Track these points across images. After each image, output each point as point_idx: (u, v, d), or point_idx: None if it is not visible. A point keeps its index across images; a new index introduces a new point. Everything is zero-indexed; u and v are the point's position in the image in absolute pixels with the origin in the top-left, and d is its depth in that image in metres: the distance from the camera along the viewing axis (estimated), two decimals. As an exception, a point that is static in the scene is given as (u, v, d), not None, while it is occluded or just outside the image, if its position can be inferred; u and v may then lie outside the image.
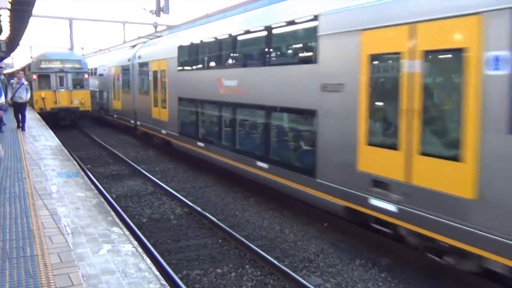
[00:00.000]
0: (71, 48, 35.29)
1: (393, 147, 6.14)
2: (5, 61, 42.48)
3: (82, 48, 56.49)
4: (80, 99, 22.16)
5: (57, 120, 21.36)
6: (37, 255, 4.51)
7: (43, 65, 21.57)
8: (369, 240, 7.46)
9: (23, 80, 14.93)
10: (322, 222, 8.45)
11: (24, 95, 14.41)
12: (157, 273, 4.27)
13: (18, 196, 6.68)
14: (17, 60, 67.17)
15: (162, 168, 13.60)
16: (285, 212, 9.16)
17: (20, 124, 14.47)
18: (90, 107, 22.95)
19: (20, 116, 14.49)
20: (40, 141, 12.56)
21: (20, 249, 4.65)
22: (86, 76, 22.69)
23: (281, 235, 7.86)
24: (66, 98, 21.89)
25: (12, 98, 14.20)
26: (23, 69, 25.60)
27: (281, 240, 7.62)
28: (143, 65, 17.34)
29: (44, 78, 21.56)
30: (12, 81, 15.19)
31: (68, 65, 21.94)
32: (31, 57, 26.58)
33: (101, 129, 23.41)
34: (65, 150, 11.47)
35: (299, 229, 8.18)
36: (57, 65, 21.75)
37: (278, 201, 9.82)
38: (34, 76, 21.29)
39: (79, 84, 22.35)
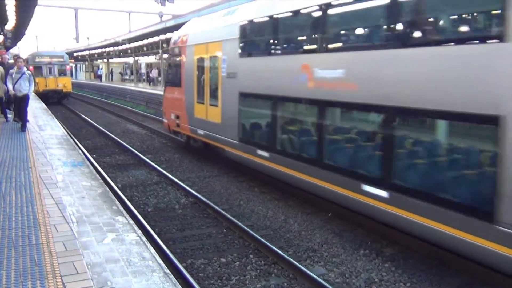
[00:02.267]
0: (77, 38, 35.45)
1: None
2: (12, 50, 42.52)
3: (88, 38, 56.54)
4: (64, 84, 30.24)
5: (47, 98, 28.12)
6: (42, 243, 4.55)
7: (37, 60, 29.78)
8: (373, 231, 7.46)
9: (24, 69, 12.56)
10: (327, 212, 8.45)
11: (24, 87, 12.17)
12: (161, 262, 4.29)
13: (24, 185, 6.73)
14: (24, 50, 67.32)
15: (168, 158, 13.63)
16: (289, 202, 9.17)
17: (21, 123, 12.48)
18: (71, 89, 31.86)
19: (20, 112, 12.67)
20: (46, 131, 12.61)
21: (26, 237, 4.70)
22: (68, 67, 31.69)
23: (285, 225, 7.88)
24: (53, 82, 29.97)
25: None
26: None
27: (285, 230, 7.64)
28: (184, 49, 13.63)
29: (38, 68, 28.90)
30: (11, 70, 12.59)
31: (55, 60, 30.16)
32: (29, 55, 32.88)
33: (106, 118, 23.51)
34: (71, 140, 11.53)
35: (303, 219, 8.19)
36: (47, 59, 29.91)
37: (283, 191, 9.83)
38: (31, 67, 26.01)
39: (63, 72, 30.58)
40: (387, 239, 7.17)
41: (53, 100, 29.36)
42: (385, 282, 5.84)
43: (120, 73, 58.81)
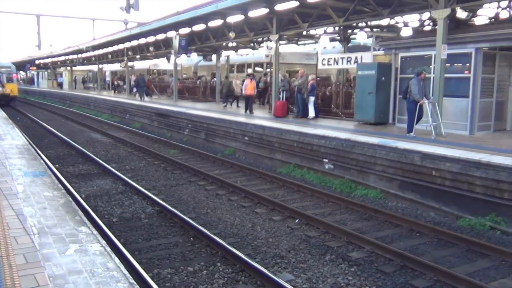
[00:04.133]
0: (39, 45, 35.02)
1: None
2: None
3: (51, 45, 55.09)
4: (11, 89, 34.75)
5: None
6: (1, 256, 4.38)
7: None
8: (339, 236, 7.57)
9: None
10: (294, 219, 8.52)
11: None
12: (126, 272, 4.21)
13: (-18, 196, 6.48)
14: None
15: (133, 166, 13.43)
16: (257, 209, 9.19)
17: None
18: (17, 94, 37.20)
19: None
20: (6, 140, 12.21)
21: (-17, 250, 4.52)
22: (14, 75, 36.58)
23: (252, 232, 7.88)
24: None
25: None
26: None
27: (253, 237, 7.64)
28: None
29: None
30: None
31: (3, 69, 35.09)
32: None
33: (69, 127, 22.96)
34: (32, 149, 11.19)
35: (270, 226, 8.22)
36: None
37: (251, 199, 9.84)
38: None
39: (10, 80, 35.25)
40: (353, 244, 7.29)
41: (1, 102, 32.93)
42: (351, 286, 5.91)
43: (83, 81, 57.14)
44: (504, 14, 13.99)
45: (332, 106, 17.79)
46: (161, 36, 25.97)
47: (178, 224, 8.18)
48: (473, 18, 14.40)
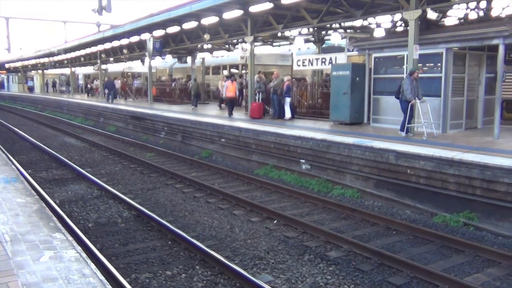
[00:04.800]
0: (8, 48, 33.79)
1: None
2: None
3: (21, 48, 53.95)
4: None
5: None
6: (-28, 265, 4.25)
7: None
8: (317, 236, 7.61)
9: None
10: (272, 220, 8.53)
11: None
12: (102, 278, 4.14)
13: (-49, 204, 6.28)
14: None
15: (109, 171, 13.23)
16: (235, 211, 9.17)
17: None
18: None
19: None
20: (-25, 146, 11.87)
21: (-47, 260, 4.37)
22: None
23: (231, 234, 7.85)
24: None
25: None
26: None
27: (231, 239, 7.62)
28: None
29: None
30: None
31: None
32: None
33: (42, 132, 22.49)
34: (3, 155, 10.92)
35: (249, 227, 8.21)
36: None
37: (228, 201, 9.82)
38: None
39: None
40: (331, 244, 7.34)
41: None
42: (330, 285, 5.95)
43: (53, 84, 55.66)
44: (473, 15, 14.34)
45: (308, 106, 17.91)
46: (135, 39, 25.71)
47: (156, 228, 8.09)
48: (443, 19, 14.74)
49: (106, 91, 31.79)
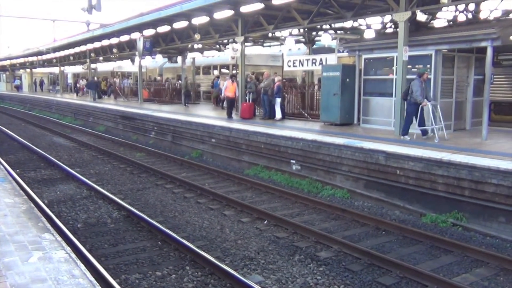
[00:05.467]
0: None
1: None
2: None
3: (9, 47, 53.41)
4: None
5: None
6: (-41, 266, 4.20)
7: None
8: (308, 236, 7.63)
9: None
10: (263, 220, 8.54)
11: None
12: (92, 278, 4.11)
13: None
14: None
15: (98, 171, 13.14)
16: (225, 211, 9.16)
17: None
18: None
19: None
20: (-38, 146, 11.73)
21: None
22: None
23: (221, 235, 7.85)
24: None
25: None
26: None
27: (222, 240, 7.61)
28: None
29: None
30: None
31: None
32: None
33: (30, 131, 22.27)
34: (-9, 155, 10.79)
35: (239, 227, 8.21)
36: None
37: (219, 201, 9.81)
38: None
39: None
40: (321, 244, 7.36)
41: None
42: (320, 285, 5.97)
43: (40, 83, 54.97)
44: (462, 17, 14.47)
45: (298, 107, 17.94)
46: (125, 38, 25.55)
47: (146, 228, 8.05)
48: (432, 21, 14.85)
49: (90, 90, 31.93)
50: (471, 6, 14.14)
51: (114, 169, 13.40)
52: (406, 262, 6.57)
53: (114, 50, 29.64)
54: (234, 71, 25.83)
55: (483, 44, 11.18)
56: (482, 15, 14.37)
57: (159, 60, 36.02)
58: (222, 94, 18.72)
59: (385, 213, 9.26)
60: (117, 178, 12.18)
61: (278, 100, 16.34)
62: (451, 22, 14.64)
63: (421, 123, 11.49)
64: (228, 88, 17.87)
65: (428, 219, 8.63)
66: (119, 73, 41.57)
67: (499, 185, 7.74)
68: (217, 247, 7.30)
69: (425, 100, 11.17)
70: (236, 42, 18.37)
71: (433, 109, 11.56)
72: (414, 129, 11.57)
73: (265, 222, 8.46)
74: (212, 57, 31.47)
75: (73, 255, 4.67)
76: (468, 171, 8.15)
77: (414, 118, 11.45)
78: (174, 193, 10.58)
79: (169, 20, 19.48)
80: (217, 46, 25.73)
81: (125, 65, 37.87)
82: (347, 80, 14.05)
